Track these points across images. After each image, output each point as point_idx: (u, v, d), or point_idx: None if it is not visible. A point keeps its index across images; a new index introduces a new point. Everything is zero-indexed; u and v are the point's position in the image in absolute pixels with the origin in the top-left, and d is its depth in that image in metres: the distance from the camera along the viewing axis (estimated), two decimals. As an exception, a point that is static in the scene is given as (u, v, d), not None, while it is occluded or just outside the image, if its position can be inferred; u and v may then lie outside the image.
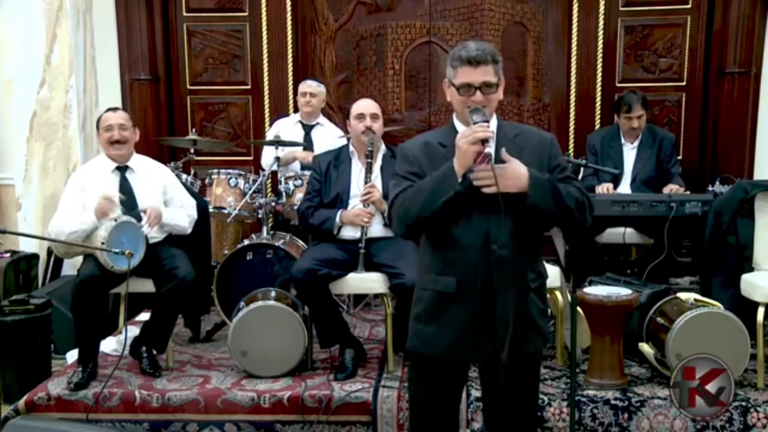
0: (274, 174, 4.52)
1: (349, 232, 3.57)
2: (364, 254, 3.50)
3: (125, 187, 3.53)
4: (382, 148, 3.71)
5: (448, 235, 2.14)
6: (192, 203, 3.70)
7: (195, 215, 3.68)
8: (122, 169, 3.57)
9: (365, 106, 3.67)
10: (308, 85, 4.75)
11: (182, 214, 3.60)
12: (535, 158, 2.16)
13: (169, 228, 3.55)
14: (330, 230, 3.57)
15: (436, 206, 2.07)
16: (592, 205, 2.22)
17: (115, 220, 3.27)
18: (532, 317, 2.20)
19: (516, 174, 2.05)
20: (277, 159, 4.34)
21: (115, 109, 3.67)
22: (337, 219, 3.56)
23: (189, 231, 3.63)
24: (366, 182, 3.55)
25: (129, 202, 3.48)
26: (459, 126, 2.22)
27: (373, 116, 3.62)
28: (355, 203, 3.60)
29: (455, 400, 2.35)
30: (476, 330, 2.15)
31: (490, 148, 2.05)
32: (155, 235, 3.50)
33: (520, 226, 2.13)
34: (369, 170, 3.56)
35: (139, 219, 3.40)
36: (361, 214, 3.52)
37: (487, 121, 2.09)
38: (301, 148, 4.62)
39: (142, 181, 3.58)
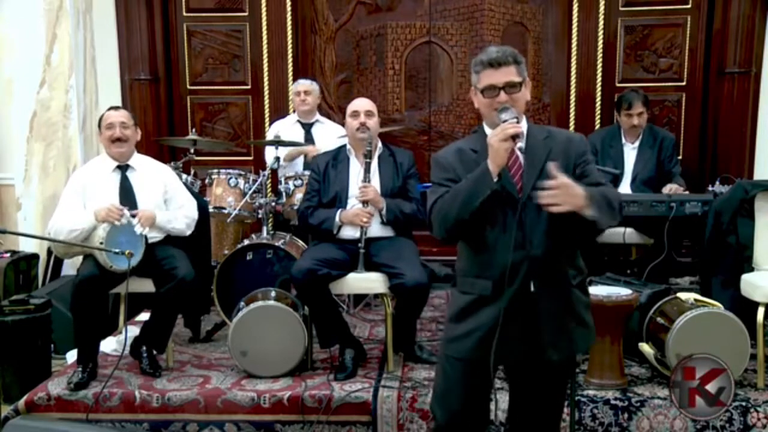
0: (274, 174, 4.52)
1: (348, 232, 3.57)
2: (364, 254, 3.50)
3: (125, 186, 3.54)
4: (380, 147, 3.71)
5: (483, 238, 2.16)
6: (192, 203, 3.69)
7: (195, 215, 3.67)
8: (123, 168, 3.57)
9: (360, 103, 3.68)
10: (302, 84, 4.78)
11: (179, 217, 3.58)
12: (563, 160, 2.16)
13: (165, 231, 3.54)
14: (329, 230, 3.57)
15: (474, 207, 2.08)
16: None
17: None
18: (579, 314, 2.21)
19: (575, 192, 2.02)
20: (278, 159, 4.34)
21: (116, 108, 3.68)
22: (337, 219, 3.56)
23: (188, 233, 3.62)
24: (364, 182, 3.55)
25: (129, 202, 3.48)
26: (488, 131, 2.23)
27: (368, 113, 3.63)
28: (354, 203, 3.60)
29: (485, 402, 2.34)
30: (510, 332, 2.14)
31: (522, 144, 2.09)
32: (155, 235, 3.50)
33: (554, 225, 2.13)
34: (367, 170, 3.56)
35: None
36: (361, 213, 3.52)
37: (517, 118, 2.11)
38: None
39: (143, 180, 3.58)
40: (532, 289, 2.13)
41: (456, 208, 2.11)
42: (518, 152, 2.15)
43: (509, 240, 2.12)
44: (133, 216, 3.38)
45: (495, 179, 2.06)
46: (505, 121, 2.08)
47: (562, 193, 2.00)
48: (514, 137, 2.05)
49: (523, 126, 2.20)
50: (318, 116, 4.84)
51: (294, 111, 4.93)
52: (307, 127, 4.77)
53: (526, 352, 2.17)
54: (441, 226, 2.18)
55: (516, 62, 2.18)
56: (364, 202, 3.53)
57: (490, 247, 2.15)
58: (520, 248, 2.12)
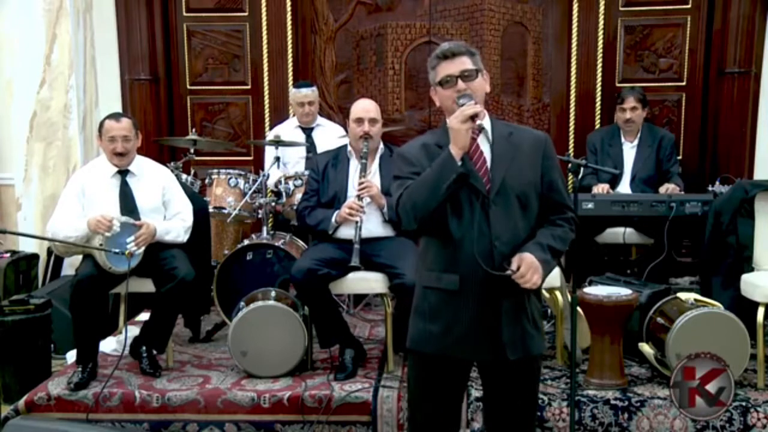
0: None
1: (347, 232, 3.55)
2: (364, 253, 3.47)
3: (125, 192, 3.53)
4: (381, 147, 3.70)
5: (451, 233, 2.15)
6: (189, 209, 3.66)
7: (191, 222, 3.64)
8: (123, 173, 3.57)
9: (365, 108, 3.62)
10: (304, 95, 4.63)
11: (178, 227, 3.57)
12: (530, 158, 2.20)
13: (163, 241, 3.50)
14: (325, 231, 3.56)
15: (441, 193, 2.07)
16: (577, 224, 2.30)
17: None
18: (533, 316, 2.22)
19: (536, 267, 2.09)
20: (277, 159, 4.34)
21: (118, 118, 3.56)
22: (333, 219, 3.55)
23: (185, 240, 3.60)
24: (361, 180, 3.53)
25: (129, 207, 3.49)
26: None
27: (372, 121, 3.59)
28: (352, 203, 3.58)
29: (457, 400, 2.34)
30: (480, 327, 2.16)
31: (482, 122, 2.10)
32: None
33: (521, 222, 2.16)
34: (363, 170, 3.55)
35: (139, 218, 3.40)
36: (350, 203, 3.48)
37: (475, 102, 2.12)
38: (304, 149, 4.62)
39: (142, 184, 3.58)
40: (497, 286, 2.13)
41: (423, 197, 2.10)
42: (481, 145, 2.17)
43: (477, 234, 2.12)
44: (136, 226, 3.38)
45: (459, 163, 2.07)
46: (462, 105, 2.10)
47: (529, 275, 2.07)
48: (473, 118, 2.06)
49: (486, 123, 2.22)
50: (319, 119, 4.78)
51: (294, 115, 4.90)
52: (308, 132, 4.74)
53: (490, 350, 2.17)
54: (410, 216, 2.15)
55: (470, 53, 2.21)
56: (359, 197, 3.51)
57: (457, 242, 2.15)
58: (489, 244, 2.12)
